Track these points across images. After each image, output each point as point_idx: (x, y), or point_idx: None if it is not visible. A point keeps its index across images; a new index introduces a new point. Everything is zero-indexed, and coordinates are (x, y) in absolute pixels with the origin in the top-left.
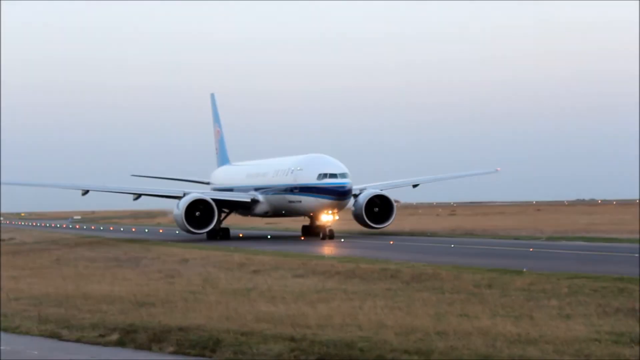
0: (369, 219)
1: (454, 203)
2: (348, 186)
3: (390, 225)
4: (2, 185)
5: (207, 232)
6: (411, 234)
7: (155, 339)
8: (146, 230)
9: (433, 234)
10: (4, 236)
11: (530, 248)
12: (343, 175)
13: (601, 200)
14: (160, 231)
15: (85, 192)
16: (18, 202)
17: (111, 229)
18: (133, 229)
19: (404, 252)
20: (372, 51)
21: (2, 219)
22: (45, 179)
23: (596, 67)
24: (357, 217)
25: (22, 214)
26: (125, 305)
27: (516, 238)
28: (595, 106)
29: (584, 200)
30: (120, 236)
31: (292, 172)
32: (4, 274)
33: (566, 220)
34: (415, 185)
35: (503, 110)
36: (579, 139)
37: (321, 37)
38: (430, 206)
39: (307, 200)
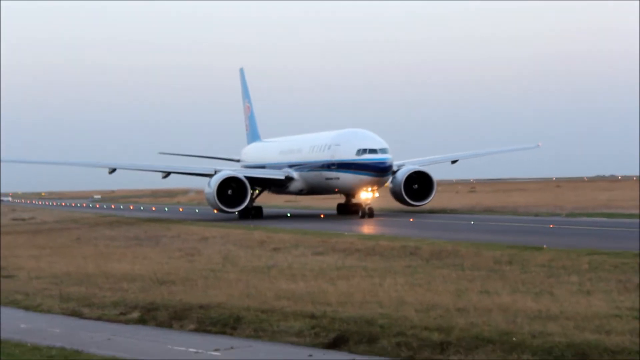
0: (407, 196)
1: (473, 180)
2: (389, 162)
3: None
4: (30, 165)
5: (240, 211)
6: (431, 211)
7: (176, 317)
8: (166, 209)
9: (453, 211)
10: (24, 215)
11: (551, 224)
12: (383, 151)
13: (621, 176)
14: (180, 210)
15: (113, 170)
16: (38, 181)
17: (131, 207)
18: (153, 208)
19: (424, 230)
20: (409, 28)
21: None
22: (70, 158)
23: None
24: (395, 194)
25: (43, 194)
26: (146, 283)
27: (536, 215)
28: (613, 84)
29: (603, 176)
30: (140, 215)
31: (329, 148)
32: (25, 254)
33: (586, 197)
34: (454, 161)
35: (520, 89)
36: (599, 116)
37: (356, 14)
38: (449, 183)
39: (346, 177)
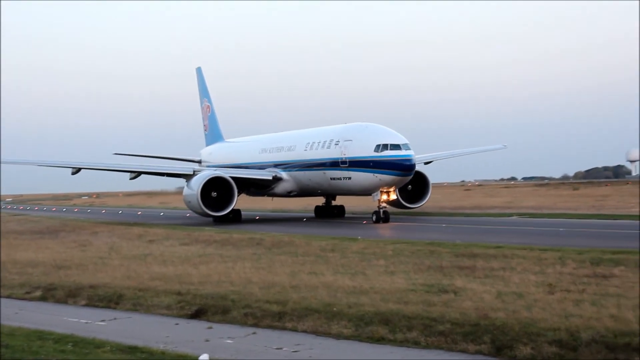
0: (402, 199)
1: None
2: (414, 159)
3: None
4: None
5: (221, 216)
6: (273, 210)
7: (70, 295)
8: (64, 210)
9: (288, 210)
10: None
11: (364, 221)
12: (406, 146)
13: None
14: (76, 210)
15: (77, 170)
16: None
17: (36, 208)
18: (53, 209)
19: (268, 225)
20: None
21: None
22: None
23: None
24: None
25: None
26: (47, 268)
27: (353, 213)
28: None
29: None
30: (43, 214)
31: (336, 144)
32: None
33: None
34: (427, 162)
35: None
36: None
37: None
38: None
39: (361, 177)
